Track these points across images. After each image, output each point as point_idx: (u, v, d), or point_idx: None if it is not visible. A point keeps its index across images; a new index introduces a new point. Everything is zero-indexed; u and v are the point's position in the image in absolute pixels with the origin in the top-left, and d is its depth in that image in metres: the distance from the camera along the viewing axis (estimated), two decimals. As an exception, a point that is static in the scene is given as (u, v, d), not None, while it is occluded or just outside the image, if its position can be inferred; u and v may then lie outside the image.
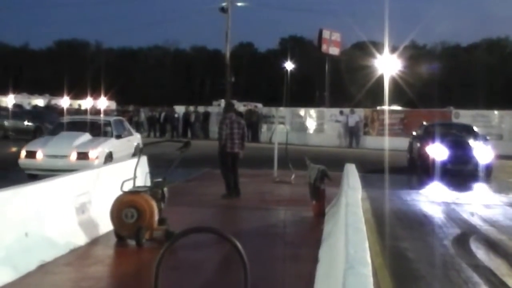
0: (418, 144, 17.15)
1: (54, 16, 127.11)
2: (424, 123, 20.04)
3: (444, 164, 15.55)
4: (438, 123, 20.31)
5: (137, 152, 14.35)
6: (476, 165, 15.97)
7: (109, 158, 13.91)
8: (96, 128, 15.19)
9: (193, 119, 33.45)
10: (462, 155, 15.93)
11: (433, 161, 15.60)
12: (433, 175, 15.31)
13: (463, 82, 60.39)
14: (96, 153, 13.56)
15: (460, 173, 15.87)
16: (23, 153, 13.66)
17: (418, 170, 16.70)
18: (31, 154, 13.55)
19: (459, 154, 15.90)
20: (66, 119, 17.75)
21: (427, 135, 17.21)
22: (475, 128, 19.37)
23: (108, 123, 15.51)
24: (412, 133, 20.06)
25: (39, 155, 13.37)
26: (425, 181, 15.40)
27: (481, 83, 58.32)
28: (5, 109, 40.02)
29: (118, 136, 15.20)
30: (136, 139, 16.79)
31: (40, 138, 14.23)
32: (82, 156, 13.35)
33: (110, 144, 14.49)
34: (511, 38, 71.49)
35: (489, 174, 16.25)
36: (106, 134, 15.06)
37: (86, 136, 14.38)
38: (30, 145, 14.32)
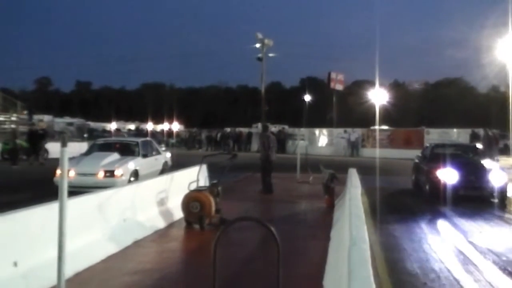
0: (426, 168, 11.90)
1: (142, 65, 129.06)
2: (427, 144, 14.56)
3: (456, 189, 10.59)
4: (444, 143, 14.81)
5: (166, 169, 13.26)
6: (492, 189, 10.65)
7: (134, 175, 11.49)
8: (125, 149, 12.60)
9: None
10: (476, 179, 10.83)
11: (445, 185, 10.61)
12: (444, 201, 10.37)
13: (433, 109, 59.17)
14: (121, 171, 11.10)
15: (474, 199, 10.67)
16: (58, 172, 10.86)
17: (426, 194, 11.47)
18: None
19: (473, 178, 10.84)
20: (99, 141, 14.44)
21: (435, 157, 12.00)
22: (479, 147, 14.21)
23: (136, 144, 12.87)
24: (417, 154, 14.00)
25: (71, 173, 10.68)
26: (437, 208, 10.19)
27: (447, 110, 56.99)
28: (109, 131, 41.42)
29: (145, 155, 12.55)
30: (164, 157, 13.95)
31: (74, 158, 11.76)
32: (109, 174, 10.95)
33: (137, 163, 11.91)
34: (464, 78, 69.03)
35: (504, 199, 10.60)
36: (133, 154, 12.36)
37: (115, 156, 11.90)
38: None
